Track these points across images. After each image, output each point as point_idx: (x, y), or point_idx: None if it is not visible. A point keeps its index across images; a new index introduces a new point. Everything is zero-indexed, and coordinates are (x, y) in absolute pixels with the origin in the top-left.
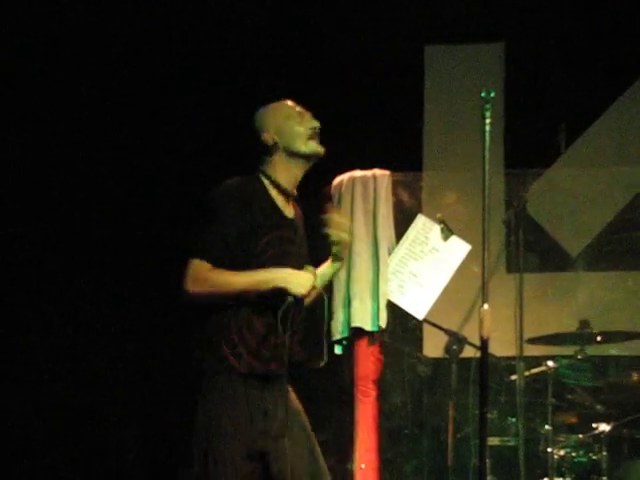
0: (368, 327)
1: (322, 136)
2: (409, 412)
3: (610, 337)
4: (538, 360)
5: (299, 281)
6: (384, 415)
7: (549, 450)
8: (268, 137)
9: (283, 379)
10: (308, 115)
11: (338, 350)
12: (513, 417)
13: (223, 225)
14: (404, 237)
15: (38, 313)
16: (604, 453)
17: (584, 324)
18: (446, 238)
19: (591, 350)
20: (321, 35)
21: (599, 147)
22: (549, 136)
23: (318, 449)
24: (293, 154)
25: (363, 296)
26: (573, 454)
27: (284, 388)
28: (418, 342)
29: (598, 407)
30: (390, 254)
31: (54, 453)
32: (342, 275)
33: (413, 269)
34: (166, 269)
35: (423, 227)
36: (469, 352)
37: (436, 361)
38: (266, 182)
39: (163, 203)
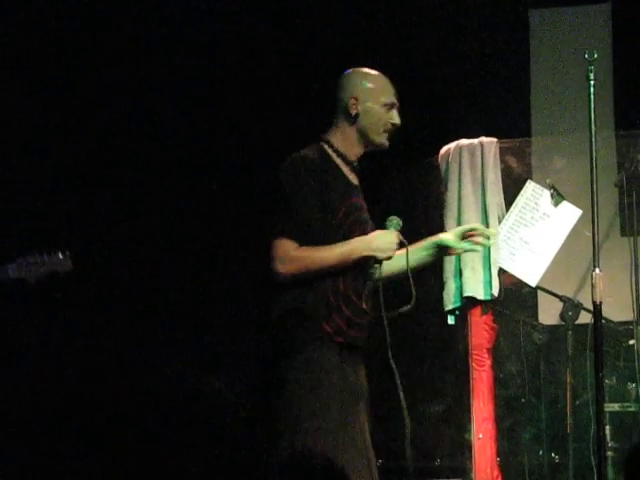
0: (481, 296)
1: (426, 104)
2: (526, 380)
3: None
4: None
5: (384, 246)
6: (500, 384)
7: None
8: (354, 105)
9: (360, 349)
10: (396, 108)
11: (451, 320)
12: (633, 382)
13: (301, 201)
14: (514, 204)
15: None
16: None
17: None
18: (557, 203)
19: None
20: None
21: None
22: None
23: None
24: (364, 136)
25: (475, 265)
26: None
27: (361, 358)
28: (533, 309)
29: None
30: (500, 221)
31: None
32: None
33: (524, 236)
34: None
35: (533, 193)
36: (585, 318)
37: (552, 328)
38: (329, 151)
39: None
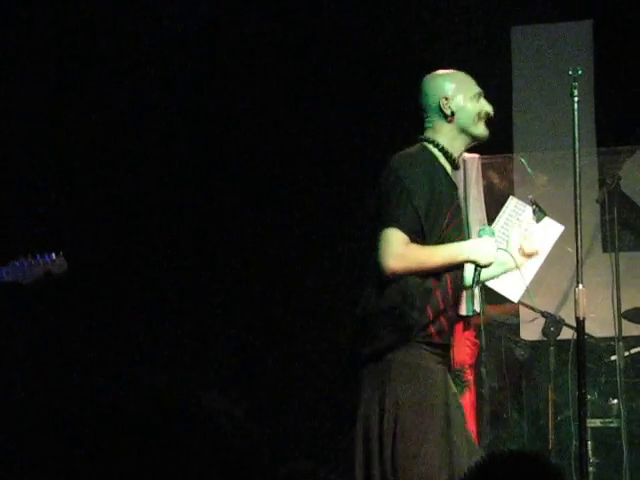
0: (463, 312)
1: (412, 120)
2: (508, 396)
3: None
4: (638, 339)
5: (486, 252)
6: (483, 400)
7: None
8: (447, 105)
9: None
10: (483, 97)
11: None
12: (614, 398)
13: (415, 198)
14: (496, 220)
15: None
16: None
17: None
18: (539, 219)
19: None
20: (409, 18)
21: None
22: None
23: None
24: (463, 130)
25: None
26: None
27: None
28: (515, 325)
29: None
30: None
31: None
32: None
33: None
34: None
35: (515, 209)
36: (567, 334)
37: (534, 344)
38: (435, 150)
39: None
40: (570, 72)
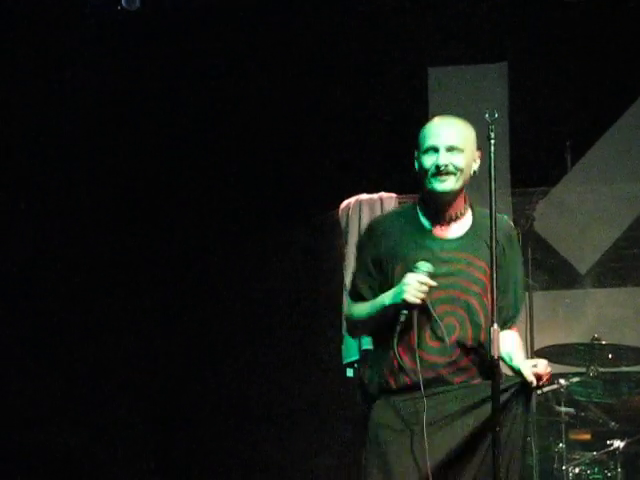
0: None
1: (327, 160)
2: None
3: (621, 353)
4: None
5: (406, 287)
6: None
7: (563, 468)
8: (415, 160)
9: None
10: (443, 150)
11: (349, 373)
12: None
13: (356, 264)
14: None
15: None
16: (619, 470)
17: (595, 341)
18: None
19: (602, 367)
20: (324, 58)
21: (605, 165)
22: (555, 155)
23: None
24: (423, 187)
25: None
26: (588, 471)
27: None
28: None
29: (611, 424)
30: None
31: None
32: None
33: None
34: None
35: None
36: None
37: None
38: (417, 207)
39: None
40: (487, 115)
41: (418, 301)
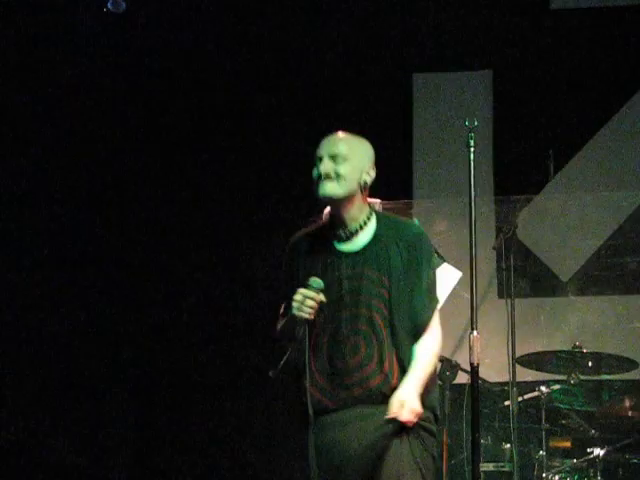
0: None
1: (311, 164)
2: None
3: (602, 361)
4: (531, 385)
5: (295, 305)
6: None
7: (544, 475)
8: None
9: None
10: (326, 158)
11: None
12: (507, 443)
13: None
14: None
15: None
16: (599, 478)
17: (576, 349)
18: (437, 265)
19: (583, 375)
20: (309, 63)
21: (587, 173)
22: (538, 162)
23: None
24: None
25: None
26: (568, 479)
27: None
28: None
29: (592, 432)
30: None
31: None
32: None
33: None
34: None
35: None
36: (462, 378)
37: None
38: (329, 225)
39: None
40: (467, 123)
41: (307, 316)
